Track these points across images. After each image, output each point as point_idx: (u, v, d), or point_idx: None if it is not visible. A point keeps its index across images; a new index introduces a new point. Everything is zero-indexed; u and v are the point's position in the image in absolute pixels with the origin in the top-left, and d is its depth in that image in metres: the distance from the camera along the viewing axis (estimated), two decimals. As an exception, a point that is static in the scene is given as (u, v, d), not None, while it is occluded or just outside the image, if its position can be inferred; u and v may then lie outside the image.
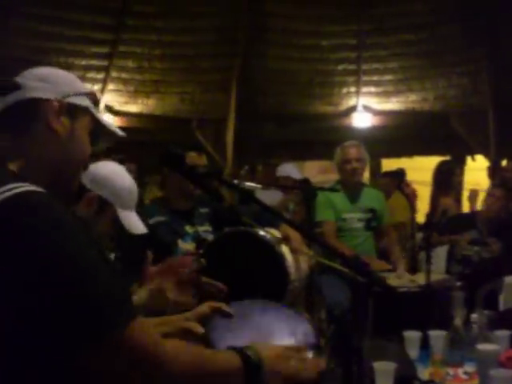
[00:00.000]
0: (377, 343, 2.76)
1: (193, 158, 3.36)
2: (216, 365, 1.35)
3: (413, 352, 2.72)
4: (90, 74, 9.14)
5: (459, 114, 9.25)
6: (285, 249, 3.05)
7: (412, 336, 2.77)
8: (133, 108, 9.70)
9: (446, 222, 5.55)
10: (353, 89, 9.89)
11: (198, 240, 3.30)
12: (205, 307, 1.74)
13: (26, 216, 1.20)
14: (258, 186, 3.02)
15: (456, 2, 8.87)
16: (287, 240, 3.16)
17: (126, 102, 9.66)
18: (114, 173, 2.38)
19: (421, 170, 8.88)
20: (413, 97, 9.67)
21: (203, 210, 3.51)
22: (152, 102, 9.77)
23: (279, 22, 9.49)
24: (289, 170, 5.14)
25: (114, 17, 9.06)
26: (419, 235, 5.81)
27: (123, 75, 9.54)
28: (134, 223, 2.37)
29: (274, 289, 2.92)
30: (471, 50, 9.00)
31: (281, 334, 1.76)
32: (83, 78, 8.58)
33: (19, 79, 1.44)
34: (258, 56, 9.71)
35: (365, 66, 9.63)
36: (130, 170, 2.72)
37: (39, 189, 1.26)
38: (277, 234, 3.15)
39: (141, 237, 2.41)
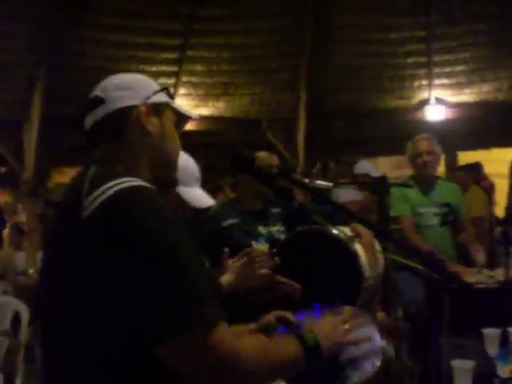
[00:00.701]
0: (455, 341, 2.72)
1: (264, 157, 3.35)
2: (281, 357, 1.44)
3: (492, 349, 2.65)
4: (161, 80, 9.30)
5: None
6: (358, 246, 3.04)
7: (491, 333, 2.71)
8: (204, 111, 9.83)
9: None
10: (424, 82, 9.72)
11: (272, 240, 3.30)
12: (270, 316, 1.79)
13: (137, 206, 1.31)
14: (330, 184, 3.00)
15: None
16: (359, 237, 3.14)
17: (197, 106, 9.81)
18: None
19: (498, 162, 8.64)
20: (486, 87, 9.42)
21: (275, 210, 3.51)
22: (222, 105, 9.89)
23: (345, 18, 9.42)
24: (366, 167, 5.06)
25: (182, 22, 9.21)
26: (498, 229, 5.65)
27: (193, 79, 9.69)
28: (197, 198, 2.37)
29: (348, 287, 2.91)
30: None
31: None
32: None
33: (101, 93, 1.53)
34: (325, 53, 9.66)
35: (436, 58, 9.45)
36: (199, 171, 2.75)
37: (144, 183, 1.37)
38: (349, 231, 3.14)
39: (216, 239, 2.45)
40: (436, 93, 9.70)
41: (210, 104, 9.85)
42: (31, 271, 7.24)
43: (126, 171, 1.43)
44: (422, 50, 9.43)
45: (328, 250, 2.98)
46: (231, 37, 9.34)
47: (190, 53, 9.42)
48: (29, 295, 6.03)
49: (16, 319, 4.70)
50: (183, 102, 9.62)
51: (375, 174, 5.19)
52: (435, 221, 4.45)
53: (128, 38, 8.99)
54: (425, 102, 9.78)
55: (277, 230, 3.45)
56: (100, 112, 1.51)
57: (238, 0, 9.07)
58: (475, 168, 7.82)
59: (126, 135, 1.50)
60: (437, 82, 9.66)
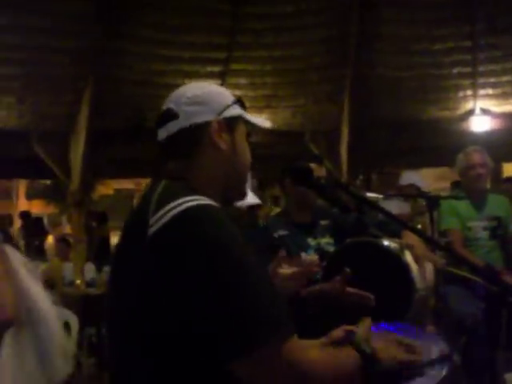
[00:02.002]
0: (508, 354, 2.68)
1: (314, 170, 3.36)
2: (347, 368, 1.40)
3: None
4: (205, 93, 9.35)
5: None
6: (409, 258, 3.01)
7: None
8: (246, 123, 9.86)
9: None
10: (469, 92, 9.63)
11: (321, 252, 3.30)
12: (339, 331, 1.78)
13: (204, 224, 1.31)
14: (380, 196, 3.00)
15: None
16: (411, 248, 3.12)
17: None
18: None
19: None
20: (533, 97, 9.30)
21: (323, 222, 3.51)
22: (265, 117, 9.91)
23: (389, 29, 9.39)
24: (413, 177, 5.02)
25: (226, 36, 9.29)
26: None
27: (236, 92, 9.64)
28: None
29: (399, 299, 2.89)
30: None
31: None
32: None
33: (174, 106, 1.53)
34: (368, 64, 9.64)
35: (481, 68, 9.35)
36: (252, 186, 2.78)
37: (211, 202, 1.37)
38: (399, 243, 3.11)
39: (269, 251, 2.46)
40: (481, 103, 9.60)
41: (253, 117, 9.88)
42: (78, 282, 7.35)
43: (196, 187, 1.43)
44: (467, 60, 9.35)
45: (379, 261, 2.96)
46: (274, 49, 9.38)
47: (233, 66, 9.49)
48: (77, 305, 6.12)
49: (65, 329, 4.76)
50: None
51: (421, 185, 5.15)
52: (484, 234, 4.39)
53: (172, 52, 9.10)
54: (470, 113, 9.70)
55: (325, 241, 3.44)
56: (173, 126, 1.52)
57: (280, 12, 9.11)
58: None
59: (199, 151, 1.51)
60: (482, 92, 9.56)
